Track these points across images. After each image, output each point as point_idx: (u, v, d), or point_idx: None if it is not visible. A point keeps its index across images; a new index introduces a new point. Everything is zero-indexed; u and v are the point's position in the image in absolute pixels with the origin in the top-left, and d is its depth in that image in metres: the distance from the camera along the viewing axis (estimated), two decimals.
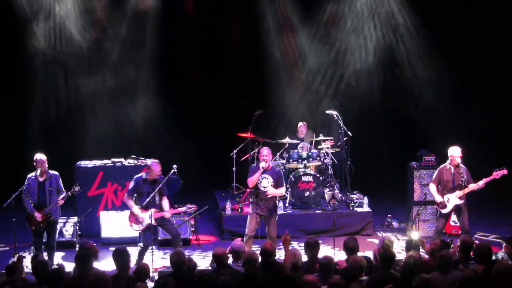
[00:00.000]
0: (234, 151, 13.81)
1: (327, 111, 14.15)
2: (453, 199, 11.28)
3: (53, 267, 10.22)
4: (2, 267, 10.84)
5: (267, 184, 10.88)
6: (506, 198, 14.66)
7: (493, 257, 8.43)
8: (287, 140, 13.92)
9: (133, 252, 8.59)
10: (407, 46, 15.92)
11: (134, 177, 11.07)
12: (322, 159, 13.80)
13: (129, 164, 13.35)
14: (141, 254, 10.83)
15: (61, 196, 10.81)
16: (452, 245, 9.51)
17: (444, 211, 11.40)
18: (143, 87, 15.68)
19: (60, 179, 10.93)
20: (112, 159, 13.45)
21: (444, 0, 15.46)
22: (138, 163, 13.32)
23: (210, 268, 9.29)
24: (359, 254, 8.46)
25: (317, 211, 13.37)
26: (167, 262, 11.45)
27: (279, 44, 16.09)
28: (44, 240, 11.07)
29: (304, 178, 13.37)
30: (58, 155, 12.98)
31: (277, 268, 8.02)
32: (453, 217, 12.24)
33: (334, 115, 13.93)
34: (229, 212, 13.09)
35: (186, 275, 7.75)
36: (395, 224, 13.36)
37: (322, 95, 16.14)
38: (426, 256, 9.21)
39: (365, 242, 12.36)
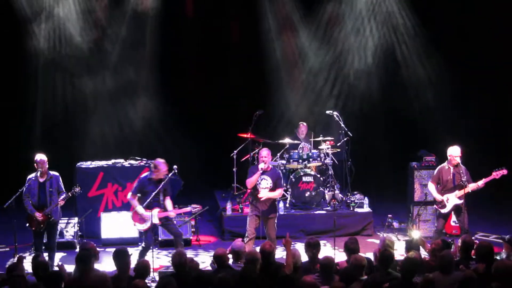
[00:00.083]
0: (235, 151, 13.81)
1: (328, 112, 14.15)
2: (453, 199, 11.27)
3: (53, 268, 10.24)
4: (3, 267, 10.95)
5: (266, 185, 10.86)
6: (506, 198, 14.66)
7: (498, 257, 8.43)
8: (287, 140, 13.92)
9: (133, 252, 8.56)
10: (407, 46, 15.92)
11: (141, 176, 11.08)
12: (322, 160, 13.80)
13: (129, 165, 13.36)
14: (142, 254, 10.83)
15: (61, 197, 10.80)
16: (453, 245, 9.52)
17: (443, 211, 11.40)
18: (143, 87, 15.68)
19: (61, 180, 10.93)
20: (113, 160, 13.46)
21: (444, 0, 15.47)
22: (139, 164, 13.33)
23: (210, 268, 9.28)
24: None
25: (317, 212, 13.36)
26: (165, 262, 11.55)
27: (279, 44, 16.08)
28: (44, 241, 11.07)
29: (304, 179, 13.37)
30: (58, 155, 12.98)
31: (276, 268, 8.02)
32: (453, 217, 12.24)
33: (335, 116, 13.93)
34: (229, 212, 13.09)
35: (187, 276, 7.74)
36: (395, 224, 13.36)
37: (322, 96, 16.13)
38: (427, 256, 9.22)
39: (366, 242, 12.37)
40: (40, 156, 10.73)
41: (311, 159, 13.69)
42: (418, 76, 16.04)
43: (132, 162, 13.42)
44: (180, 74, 16.10)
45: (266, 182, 10.86)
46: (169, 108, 15.81)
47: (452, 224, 12.43)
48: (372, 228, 13.27)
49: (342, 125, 13.84)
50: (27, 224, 10.82)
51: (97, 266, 8.79)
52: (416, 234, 10.22)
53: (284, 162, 13.80)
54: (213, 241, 13.04)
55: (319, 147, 13.92)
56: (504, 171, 11.22)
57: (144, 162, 13.39)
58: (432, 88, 15.95)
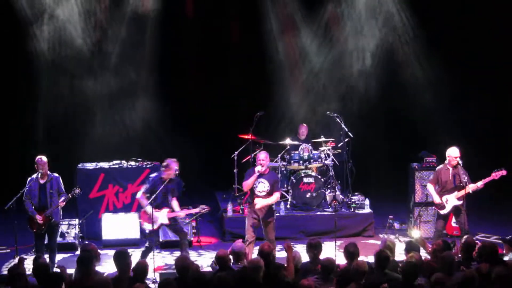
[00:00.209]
0: (235, 152, 13.81)
1: (328, 113, 14.15)
2: (452, 200, 11.27)
3: (54, 269, 10.24)
4: (4, 269, 10.96)
5: (263, 188, 10.81)
6: (506, 199, 14.65)
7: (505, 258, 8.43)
8: (288, 141, 13.93)
9: (132, 253, 8.57)
10: (407, 47, 15.91)
11: (151, 176, 11.06)
12: (323, 161, 13.80)
13: (130, 166, 13.36)
14: (145, 254, 10.83)
15: (62, 199, 10.80)
16: (454, 246, 9.51)
17: (442, 212, 11.39)
18: (144, 88, 15.67)
19: (61, 181, 10.93)
20: (113, 161, 13.46)
21: (443, 0, 15.47)
22: (139, 165, 13.34)
23: (211, 269, 9.29)
24: (362, 258, 8.45)
25: (318, 213, 13.37)
26: (166, 263, 11.56)
27: (280, 45, 16.07)
28: (45, 242, 11.07)
29: (305, 180, 13.38)
30: (59, 157, 13.00)
31: (275, 269, 8.02)
32: (453, 218, 12.23)
33: (335, 117, 13.93)
34: (230, 213, 13.08)
35: (190, 280, 7.73)
36: (396, 225, 13.35)
37: (323, 96, 16.12)
38: (427, 256, 9.21)
39: (366, 244, 12.38)
40: (41, 158, 10.73)
41: (312, 160, 13.69)
42: (418, 76, 16.02)
43: (133, 163, 13.43)
44: (180, 74, 16.10)
45: (263, 185, 10.82)
46: (170, 109, 15.81)
47: (453, 225, 12.41)
48: (373, 229, 13.26)
49: (343, 126, 13.84)
50: (28, 226, 10.82)
51: (98, 267, 8.79)
52: (416, 233, 10.21)
53: (285, 163, 13.80)
54: (214, 242, 13.05)
55: (320, 148, 13.93)
56: (504, 172, 11.22)
57: (145, 163, 13.40)
58: (432, 89, 15.93)
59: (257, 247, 8.69)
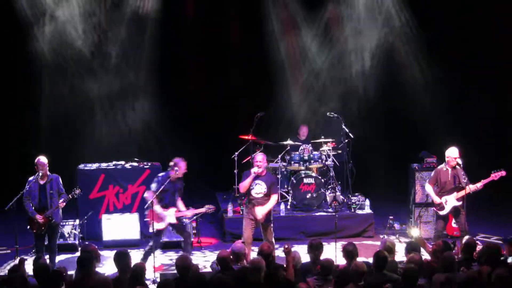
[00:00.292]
0: (236, 153, 13.80)
1: (329, 113, 14.14)
2: (451, 201, 11.26)
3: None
4: (4, 269, 10.96)
5: (260, 190, 10.79)
6: (505, 199, 14.63)
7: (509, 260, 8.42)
8: (288, 142, 13.93)
9: (133, 254, 8.57)
10: (407, 47, 15.90)
11: (159, 175, 11.05)
12: (323, 161, 13.80)
13: (130, 167, 13.37)
14: (148, 254, 10.82)
15: (62, 199, 10.79)
16: (454, 247, 9.51)
17: (442, 212, 11.38)
18: (144, 89, 15.65)
19: (61, 181, 10.93)
20: (114, 162, 13.47)
21: (443, 0, 15.48)
22: (140, 166, 13.34)
23: (211, 270, 9.29)
24: (362, 259, 8.45)
25: (318, 213, 13.37)
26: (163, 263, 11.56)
27: (280, 45, 16.06)
28: (45, 243, 11.07)
29: (305, 180, 13.38)
30: (59, 157, 12.98)
31: (275, 269, 8.02)
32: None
33: (335, 117, 13.93)
34: (230, 214, 13.08)
35: (189, 280, 7.74)
36: (396, 226, 13.34)
37: (323, 97, 16.12)
38: (428, 257, 9.20)
39: (367, 245, 12.39)
40: (41, 158, 10.72)
41: (312, 161, 13.69)
42: (418, 77, 16.01)
43: (133, 164, 13.43)
44: (180, 75, 16.09)
45: (260, 187, 10.81)
46: (170, 109, 15.80)
47: (453, 225, 12.38)
48: (373, 230, 13.26)
49: (343, 126, 13.84)
50: (28, 227, 10.81)
51: (98, 268, 8.79)
52: (415, 232, 10.21)
53: (285, 163, 13.80)
54: (214, 243, 13.04)
55: (320, 149, 13.92)
56: (503, 173, 11.21)
57: (145, 164, 13.40)
58: (432, 89, 15.92)
59: (256, 248, 8.70)
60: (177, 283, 7.59)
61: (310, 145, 14.01)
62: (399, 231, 13.15)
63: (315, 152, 13.81)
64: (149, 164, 13.44)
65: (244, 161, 14.05)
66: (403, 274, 7.55)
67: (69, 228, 12.35)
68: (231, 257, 8.55)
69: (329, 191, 13.67)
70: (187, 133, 15.59)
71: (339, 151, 14.15)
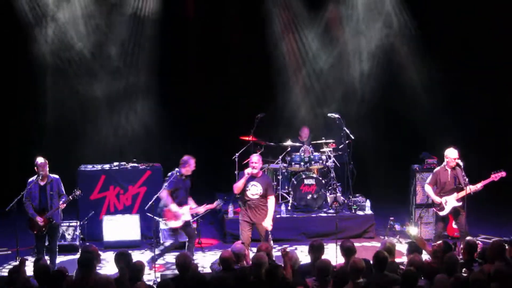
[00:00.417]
0: (236, 154, 13.78)
1: (329, 114, 14.15)
2: (451, 202, 11.25)
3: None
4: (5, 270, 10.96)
5: (255, 191, 10.78)
6: (505, 200, 14.62)
7: None
8: (289, 143, 13.93)
9: (134, 255, 8.57)
10: (407, 48, 15.89)
11: (171, 173, 11.07)
12: (324, 162, 13.80)
13: (131, 168, 13.38)
14: (166, 251, 10.93)
15: (62, 200, 10.79)
16: (455, 248, 9.49)
17: (442, 213, 11.37)
18: (145, 89, 15.64)
19: (61, 183, 10.93)
20: (114, 163, 13.47)
21: (443, 1, 15.49)
22: (140, 167, 13.35)
23: (211, 270, 9.29)
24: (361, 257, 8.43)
25: (319, 214, 13.38)
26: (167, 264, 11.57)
27: (280, 46, 16.06)
28: (46, 244, 11.07)
29: (306, 181, 13.39)
30: (60, 158, 12.99)
31: (274, 268, 8.02)
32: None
33: (336, 118, 13.93)
34: (231, 215, 13.08)
35: (189, 279, 7.74)
36: (397, 227, 13.32)
37: (324, 98, 16.12)
38: (428, 258, 9.19)
39: (367, 247, 12.39)
40: (41, 159, 10.73)
41: (312, 162, 13.70)
42: (418, 77, 16.00)
43: (134, 165, 13.44)
44: (181, 76, 16.08)
45: (256, 188, 10.79)
46: (171, 110, 15.77)
47: (454, 226, 12.38)
48: (374, 231, 13.26)
49: (344, 127, 13.84)
50: (29, 228, 10.81)
51: (98, 269, 8.79)
52: (414, 231, 10.19)
53: (286, 164, 13.80)
54: (214, 243, 13.05)
55: (321, 150, 13.92)
56: (503, 173, 11.21)
57: (146, 165, 13.41)
58: (432, 90, 15.91)
59: (254, 248, 8.71)
60: (177, 282, 7.59)
61: (310, 146, 14.00)
62: (399, 232, 13.14)
63: (316, 153, 13.81)
64: (150, 165, 13.45)
65: (244, 162, 14.03)
66: (403, 276, 7.55)
67: (70, 229, 12.35)
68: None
69: (329, 192, 13.68)
70: (187, 134, 15.58)
71: (340, 152, 14.15)
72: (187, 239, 11.31)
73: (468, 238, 9.14)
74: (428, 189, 11.50)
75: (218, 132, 15.78)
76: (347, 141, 13.94)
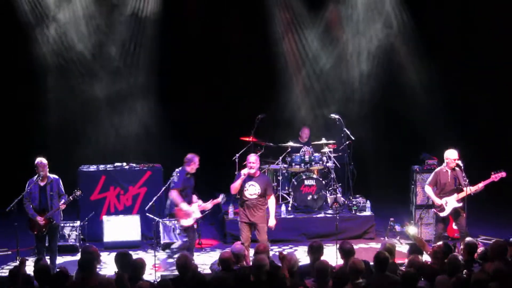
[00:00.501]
0: (237, 155, 13.78)
1: (330, 115, 14.15)
2: (452, 202, 11.25)
3: (55, 271, 10.24)
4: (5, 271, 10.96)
5: (254, 191, 10.77)
6: (505, 201, 14.61)
7: None
8: (289, 144, 13.92)
9: (135, 256, 8.57)
10: (407, 48, 15.89)
11: (178, 171, 11.09)
12: (324, 163, 13.80)
13: (131, 168, 13.37)
14: (181, 248, 10.94)
15: (62, 201, 10.79)
16: (455, 249, 9.48)
17: (442, 214, 11.37)
18: (145, 90, 15.62)
19: (61, 183, 10.93)
20: (115, 163, 13.47)
21: (443, 1, 15.49)
22: (140, 167, 13.35)
23: (210, 271, 9.29)
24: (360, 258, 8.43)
25: (319, 215, 13.37)
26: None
27: (281, 47, 16.06)
28: (46, 244, 11.07)
29: (306, 182, 13.39)
30: (60, 159, 12.99)
31: (274, 269, 8.03)
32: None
33: (337, 119, 13.93)
34: (231, 216, 13.08)
35: (189, 279, 7.74)
36: (397, 228, 13.32)
37: (324, 98, 16.12)
38: (428, 259, 9.19)
39: (368, 246, 12.38)
40: (41, 160, 10.72)
41: (313, 163, 13.69)
42: (418, 77, 16.01)
43: (134, 165, 13.44)
44: (181, 76, 16.06)
45: (254, 188, 10.78)
46: (171, 111, 15.77)
47: (454, 227, 12.37)
48: (374, 232, 13.26)
49: (344, 128, 13.84)
50: (29, 228, 10.81)
51: (98, 269, 8.79)
52: (412, 230, 10.19)
53: (286, 165, 13.80)
54: (215, 244, 13.05)
55: (321, 151, 13.92)
56: (503, 174, 11.21)
57: (146, 165, 13.41)
58: (432, 90, 15.91)
59: (252, 249, 8.72)
60: (176, 282, 7.59)
61: (311, 147, 14.00)
62: (400, 233, 13.13)
63: (316, 154, 13.81)
64: (150, 165, 13.45)
65: (245, 162, 14.02)
66: (402, 278, 7.55)
67: (70, 230, 12.35)
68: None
69: (330, 192, 13.67)
70: (188, 135, 15.57)
71: (340, 153, 14.15)
72: (189, 239, 11.32)
73: (468, 238, 9.13)
74: (429, 190, 11.50)
75: (219, 133, 15.76)
76: (347, 142, 13.94)
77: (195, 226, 12.66)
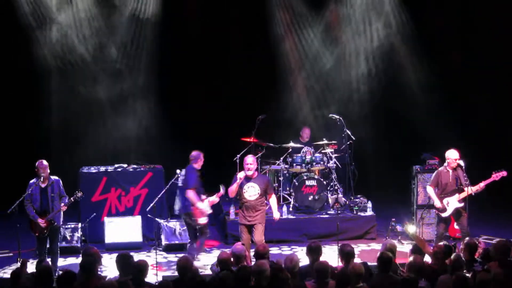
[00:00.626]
0: (238, 155, 13.77)
1: (331, 115, 14.16)
2: (453, 203, 11.25)
3: (56, 273, 10.25)
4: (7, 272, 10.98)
5: (253, 192, 10.78)
6: (506, 200, 14.60)
7: None
8: (290, 144, 13.93)
9: (136, 257, 8.59)
10: (407, 48, 15.89)
11: (191, 169, 11.18)
12: (325, 163, 13.80)
13: (132, 169, 13.38)
14: (201, 249, 11.16)
15: (64, 203, 10.80)
16: (455, 249, 9.48)
17: (444, 215, 11.36)
18: (146, 91, 15.64)
19: (62, 184, 10.94)
20: (116, 165, 13.49)
21: (443, 1, 15.49)
22: (141, 168, 13.36)
23: (211, 272, 9.30)
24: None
25: (320, 215, 13.36)
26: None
27: (282, 47, 16.07)
28: (47, 246, 11.08)
29: (307, 183, 13.39)
30: (61, 160, 13.01)
31: (276, 270, 8.04)
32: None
33: (337, 119, 13.94)
34: (232, 216, 13.07)
35: (189, 280, 7.75)
36: (399, 228, 13.31)
37: (324, 99, 16.13)
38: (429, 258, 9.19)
39: (369, 246, 12.38)
40: (42, 161, 10.72)
41: (314, 163, 13.69)
42: (419, 77, 16.01)
43: (135, 166, 13.46)
44: (181, 77, 16.07)
45: (254, 189, 10.78)
46: (171, 112, 15.79)
47: (456, 227, 12.36)
48: (376, 232, 13.25)
49: (345, 128, 13.85)
50: (30, 230, 10.83)
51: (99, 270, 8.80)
52: (412, 229, 10.18)
53: (287, 166, 13.80)
54: (216, 245, 13.05)
55: (322, 151, 13.93)
56: (504, 173, 11.20)
57: (147, 166, 13.42)
58: (432, 90, 15.92)
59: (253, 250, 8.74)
60: (176, 283, 7.60)
61: (312, 147, 14.01)
62: (401, 233, 13.13)
63: (317, 154, 13.81)
64: (151, 166, 13.46)
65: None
66: (402, 282, 7.55)
67: (71, 231, 12.37)
68: (232, 259, 8.57)
69: (331, 193, 13.68)
70: (188, 135, 15.57)
71: (341, 153, 14.15)
72: (189, 240, 11.34)
73: (467, 238, 9.14)
74: (430, 191, 11.50)
75: (219, 133, 15.76)
76: (348, 142, 13.95)
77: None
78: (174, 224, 12.50)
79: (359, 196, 13.82)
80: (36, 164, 10.73)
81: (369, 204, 13.49)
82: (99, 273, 8.39)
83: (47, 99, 15.34)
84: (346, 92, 16.12)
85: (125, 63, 15.46)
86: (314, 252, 8.46)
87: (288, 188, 13.84)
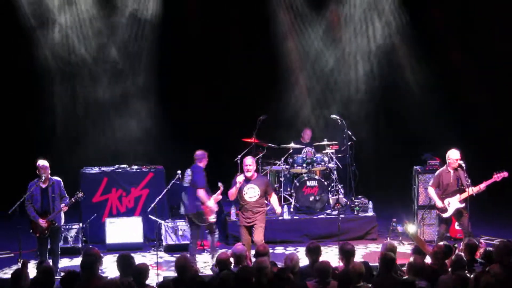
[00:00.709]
0: (239, 156, 13.77)
1: (332, 116, 14.16)
2: (454, 203, 11.24)
3: (57, 274, 10.25)
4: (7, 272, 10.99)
5: (253, 194, 10.77)
6: (507, 200, 14.59)
7: None
8: (291, 145, 13.93)
9: (136, 258, 8.59)
10: (408, 48, 15.90)
11: (198, 169, 11.24)
12: (326, 164, 13.80)
13: (133, 170, 13.38)
14: (214, 242, 11.34)
15: (64, 203, 10.81)
16: (455, 249, 9.48)
17: (445, 215, 11.36)
18: (146, 92, 15.64)
19: (63, 185, 10.94)
20: (117, 165, 13.49)
21: (443, 1, 15.50)
22: (142, 169, 13.36)
23: (211, 272, 9.31)
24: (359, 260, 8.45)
25: (321, 216, 13.36)
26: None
27: (282, 48, 16.07)
28: (48, 247, 11.09)
29: (308, 183, 13.38)
30: (62, 161, 13.01)
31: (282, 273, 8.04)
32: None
33: (338, 120, 13.94)
34: (233, 217, 13.06)
35: (188, 280, 7.76)
36: (399, 228, 13.30)
37: (325, 99, 16.13)
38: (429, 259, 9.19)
39: (370, 247, 12.38)
40: (42, 162, 10.71)
41: (315, 164, 13.69)
42: (419, 77, 16.02)
43: (136, 167, 13.46)
44: (182, 78, 16.07)
45: (254, 190, 10.78)
46: (172, 112, 15.79)
47: (457, 228, 12.36)
48: (377, 232, 13.24)
49: (346, 129, 13.85)
50: (31, 231, 10.83)
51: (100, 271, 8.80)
52: (411, 228, 10.17)
53: (288, 166, 13.80)
54: (217, 245, 13.02)
55: (323, 151, 13.93)
56: (505, 174, 11.19)
57: (148, 167, 13.42)
58: (432, 90, 15.92)
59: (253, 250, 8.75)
60: (176, 283, 7.60)
61: (313, 147, 14.01)
62: (402, 233, 13.12)
63: (318, 155, 13.81)
64: (152, 167, 13.46)
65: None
66: (402, 283, 7.55)
67: (72, 232, 12.37)
68: (232, 259, 8.57)
69: (332, 193, 13.68)
70: (188, 135, 15.57)
71: (342, 154, 14.16)
72: (191, 240, 11.34)
73: (467, 238, 9.13)
74: (431, 191, 11.49)
75: (219, 134, 15.76)
76: (349, 143, 13.95)
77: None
78: (175, 225, 12.49)
79: (360, 196, 13.80)
80: (37, 164, 10.72)
81: (370, 205, 13.49)
82: (99, 273, 8.36)
83: (47, 100, 15.34)
84: (346, 92, 16.12)
85: (126, 64, 15.46)
86: (313, 253, 8.46)
87: (289, 189, 13.84)
